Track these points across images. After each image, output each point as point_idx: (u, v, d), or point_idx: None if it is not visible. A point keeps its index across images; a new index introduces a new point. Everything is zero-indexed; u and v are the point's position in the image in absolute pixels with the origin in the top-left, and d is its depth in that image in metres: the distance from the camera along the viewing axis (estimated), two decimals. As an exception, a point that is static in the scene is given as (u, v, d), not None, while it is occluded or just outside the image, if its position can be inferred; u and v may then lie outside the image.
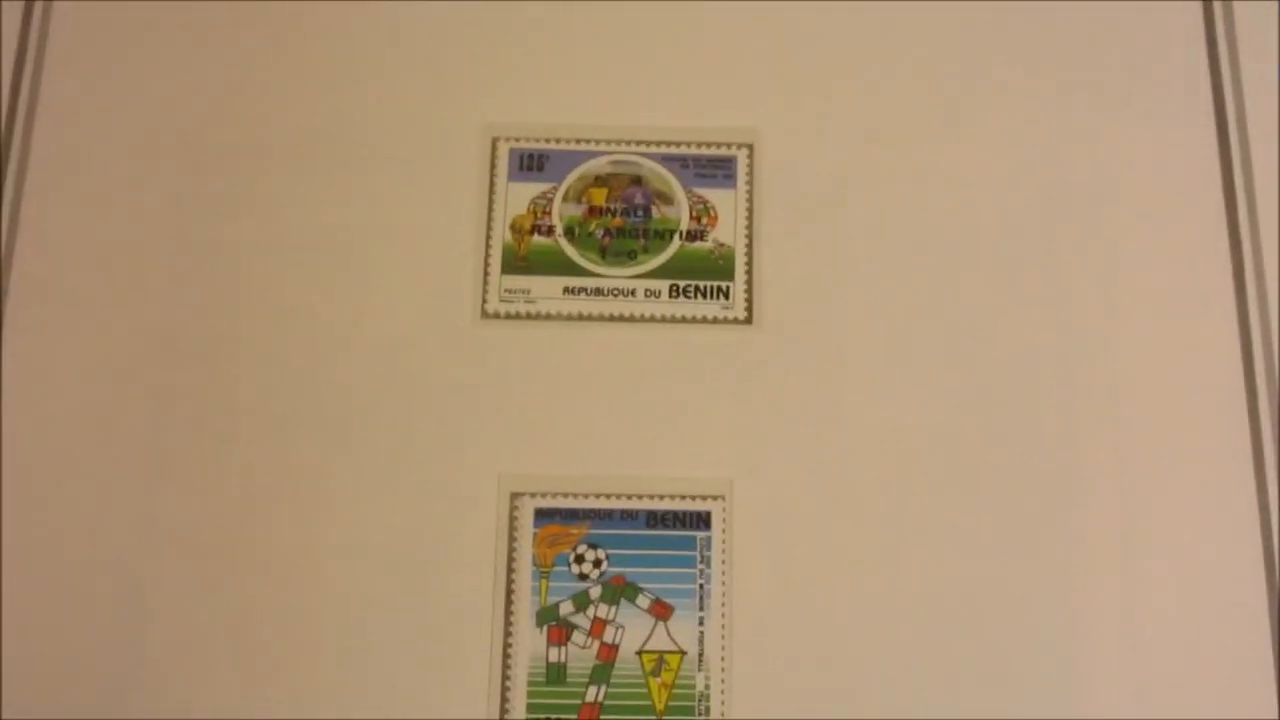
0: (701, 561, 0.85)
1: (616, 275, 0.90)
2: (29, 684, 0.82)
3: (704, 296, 0.89)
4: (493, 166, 0.91)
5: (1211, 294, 0.89)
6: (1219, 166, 0.91)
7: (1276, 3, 0.94)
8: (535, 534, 0.85)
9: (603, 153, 0.92)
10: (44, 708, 0.81)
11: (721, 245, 0.90)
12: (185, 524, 0.84)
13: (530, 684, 0.83)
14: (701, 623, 0.84)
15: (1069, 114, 0.93)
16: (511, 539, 0.85)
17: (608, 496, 0.86)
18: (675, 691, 0.83)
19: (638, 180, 0.91)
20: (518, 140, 0.92)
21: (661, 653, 0.84)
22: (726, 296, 0.89)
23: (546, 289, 0.89)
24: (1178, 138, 0.92)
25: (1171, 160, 0.92)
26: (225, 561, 0.84)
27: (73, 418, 0.86)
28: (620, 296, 0.89)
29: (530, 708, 0.82)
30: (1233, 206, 0.91)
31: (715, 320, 0.89)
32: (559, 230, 0.90)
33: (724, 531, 0.85)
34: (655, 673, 0.83)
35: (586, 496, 0.86)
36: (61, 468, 0.85)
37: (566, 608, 0.84)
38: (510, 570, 0.84)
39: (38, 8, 0.93)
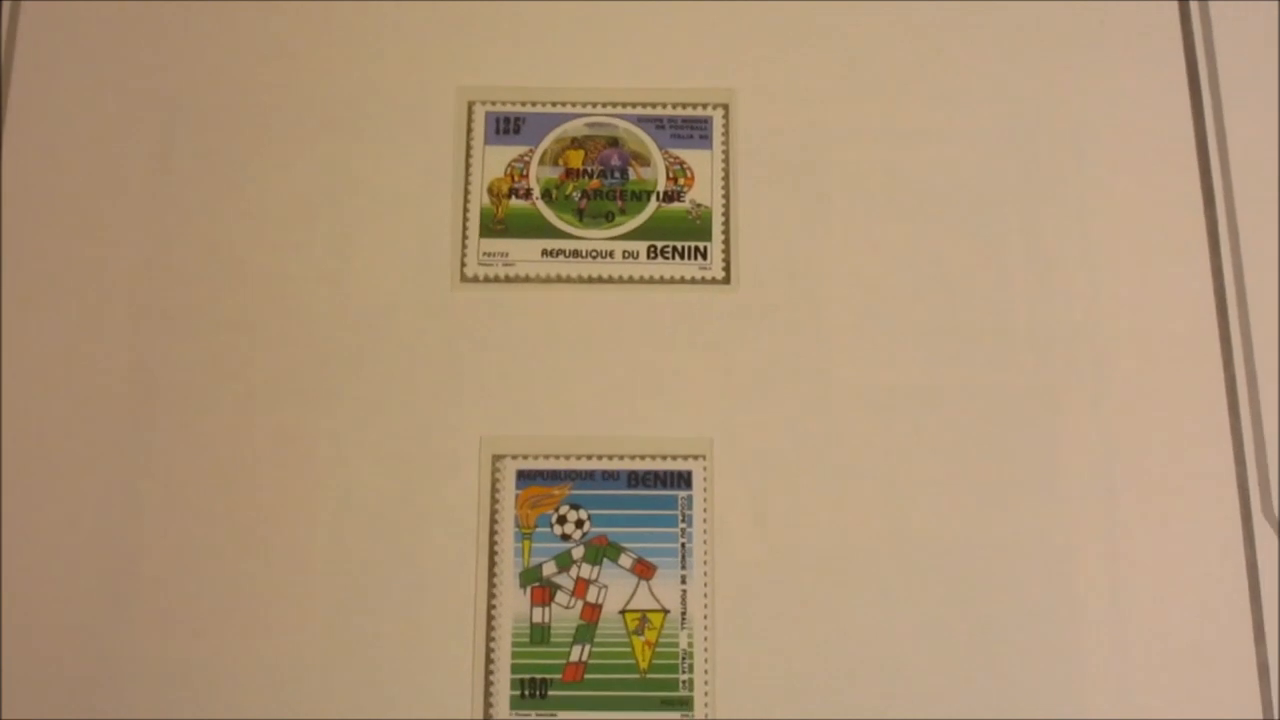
0: (683, 520, 0.85)
1: (594, 237, 0.90)
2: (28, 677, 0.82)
3: (682, 257, 0.89)
4: (469, 130, 0.91)
5: (1187, 248, 0.90)
6: (1191, 121, 0.92)
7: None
8: (517, 496, 0.85)
9: (579, 115, 0.91)
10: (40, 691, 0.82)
11: (699, 206, 0.90)
12: (169, 494, 0.84)
13: (515, 644, 0.83)
14: (684, 581, 0.84)
15: (1046, 73, 0.93)
16: (494, 501, 0.85)
17: (589, 457, 0.86)
18: (659, 650, 0.83)
19: (614, 142, 0.91)
20: (493, 104, 0.91)
21: (644, 612, 0.84)
22: (704, 257, 0.89)
23: (525, 252, 0.89)
24: (1152, 91, 0.92)
25: (1146, 114, 0.92)
26: (209, 530, 0.84)
27: (55, 393, 0.85)
28: (598, 258, 0.89)
29: (515, 668, 0.83)
30: (1205, 159, 0.91)
31: (693, 281, 0.89)
32: (536, 193, 0.90)
33: (705, 490, 0.86)
34: (639, 631, 0.84)
35: (568, 458, 0.86)
36: (44, 442, 0.85)
37: (549, 568, 0.85)
38: (493, 532, 0.85)
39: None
